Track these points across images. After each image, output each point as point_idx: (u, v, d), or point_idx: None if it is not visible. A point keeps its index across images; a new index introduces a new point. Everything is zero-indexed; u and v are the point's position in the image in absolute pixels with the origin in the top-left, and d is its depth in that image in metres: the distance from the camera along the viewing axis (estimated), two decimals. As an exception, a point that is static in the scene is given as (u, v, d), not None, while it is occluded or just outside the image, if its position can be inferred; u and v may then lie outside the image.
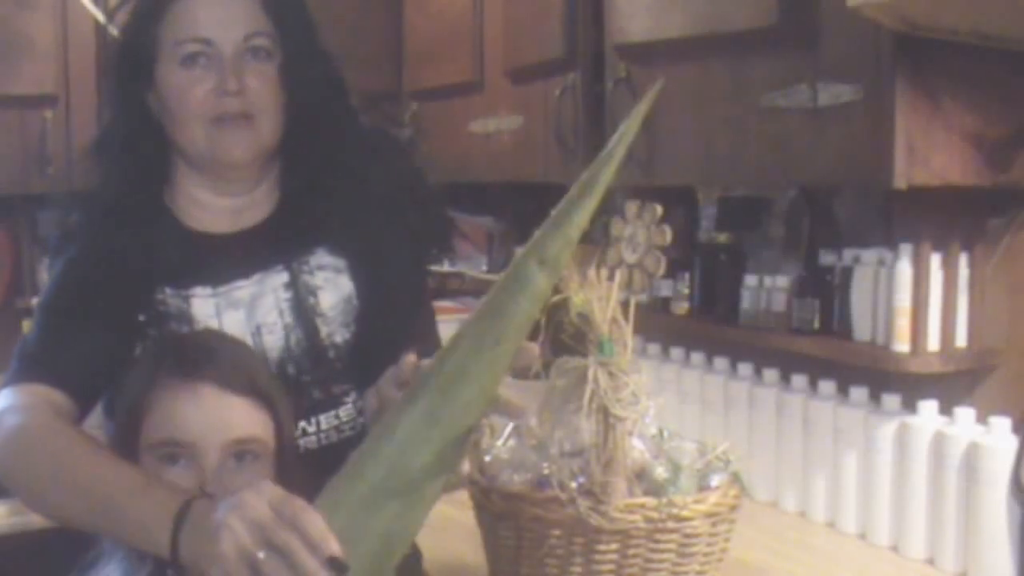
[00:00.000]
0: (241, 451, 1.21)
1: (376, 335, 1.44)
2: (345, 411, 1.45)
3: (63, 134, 2.86)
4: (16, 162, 2.86)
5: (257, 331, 1.39)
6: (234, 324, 1.38)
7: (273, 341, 1.40)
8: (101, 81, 2.86)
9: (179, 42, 1.37)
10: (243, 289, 1.40)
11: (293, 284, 1.42)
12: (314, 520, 1.01)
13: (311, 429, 1.41)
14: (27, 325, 3.04)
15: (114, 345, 1.36)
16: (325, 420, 1.43)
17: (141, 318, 1.37)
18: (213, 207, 1.44)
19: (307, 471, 1.26)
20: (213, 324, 1.38)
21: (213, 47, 1.37)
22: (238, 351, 1.29)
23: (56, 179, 2.77)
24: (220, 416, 1.21)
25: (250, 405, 1.22)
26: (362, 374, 1.42)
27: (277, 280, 1.42)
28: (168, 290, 1.38)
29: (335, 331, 1.43)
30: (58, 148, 2.82)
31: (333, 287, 1.44)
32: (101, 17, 2.58)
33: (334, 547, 0.99)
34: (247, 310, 1.39)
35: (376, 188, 1.46)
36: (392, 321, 1.46)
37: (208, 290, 1.39)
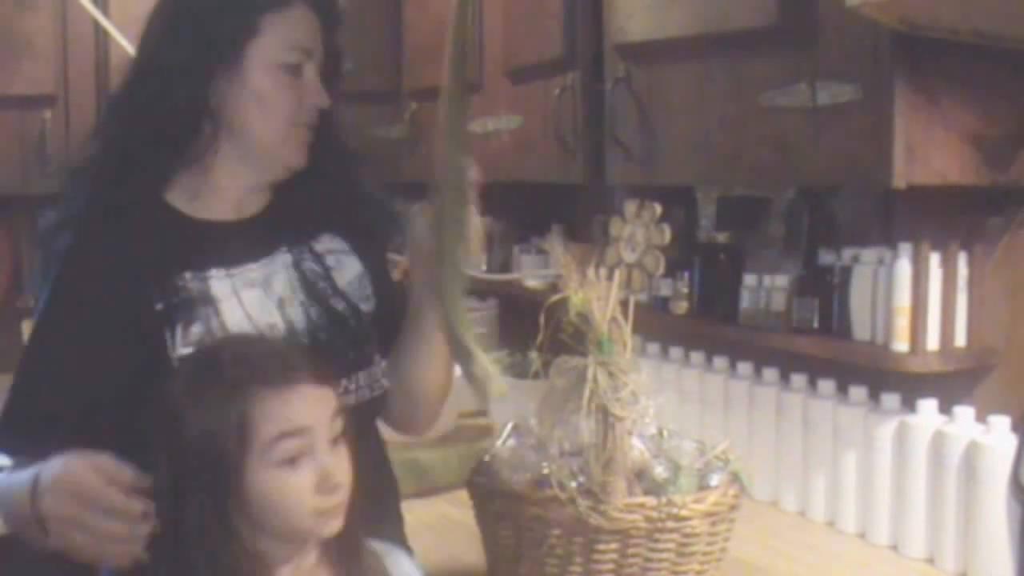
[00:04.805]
0: (336, 433, 1.26)
1: (392, 305, 1.58)
2: (378, 370, 1.55)
3: (63, 134, 2.87)
4: (16, 162, 2.87)
5: (280, 304, 1.47)
6: (254, 300, 1.45)
7: (295, 314, 1.47)
8: (100, 82, 2.86)
9: (288, 47, 1.45)
10: (254, 271, 1.47)
11: (297, 266, 1.50)
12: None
13: (352, 387, 1.49)
14: (27, 326, 3.05)
15: (125, 363, 1.39)
16: (362, 377, 1.51)
17: (159, 307, 1.40)
18: (228, 196, 1.49)
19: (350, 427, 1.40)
20: (233, 302, 1.43)
21: (311, 59, 1.47)
22: (312, 354, 1.35)
23: (56, 179, 2.77)
24: (324, 403, 1.27)
25: (333, 393, 1.29)
26: (385, 336, 1.57)
27: (285, 260, 1.50)
28: (187, 274, 1.43)
29: (358, 303, 1.53)
30: (58, 148, 2.82)
31: (345, 266, 1.54)
32: (101, 17, 2.58)
33: None
34: (263, 288, 1.47)
35: (359, 182, 1.59)
36: (398, 293, 1.62)
37: (223, 271, 1.45)
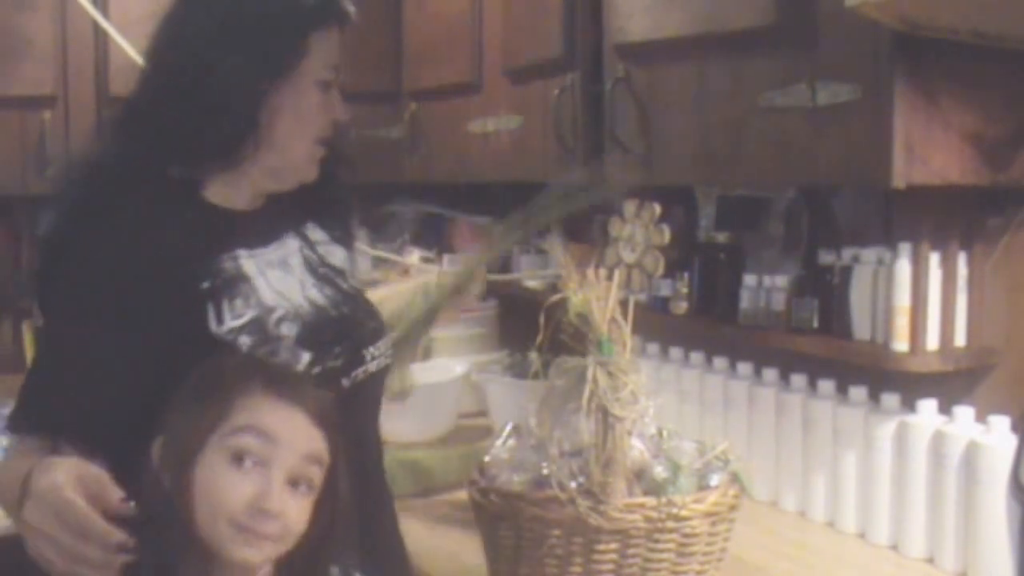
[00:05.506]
0: (302, 475, 1.24)
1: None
2: (389, 338, 1.64)
3: (62, 135, 2.86)
4: (15, 163, 2.86)
5: (301, 285, 1.52)
6: (279, 279, 1.51)
7: (315, 293, 1.54)
8: (100, 83, 2.86)
9: (326, 65, 1.49)
10: (271, 254, 1.53)
11: (301, 251, 1.57)
12: None
13: (377, 353, 1.56)
14: (27, 326, 3.06)
15: (166, 343, 1.39)
16: (382, 345, 1.58)
17: (204, 285, 1.43)
18: (247, 192, 1.53)
19: (370, 391, 1.55)
20: (262, 281, 1.48)
21: (334, 79, 1.52)
22: (324, 393, 1.33)
23: (55, 180, 2.77)
24: (306, 436, 1.25)
25: (326, 441, 1.27)
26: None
27: (294, 245, 1.56)
28: (224, 255, 1.47)
29: (355, 282, 1.63)
30: (57, 149, 2.82)
31: (333, 253, 1.61)
32: (101, 18, 2.58)
33: None
34: (282, 268, 1.53)
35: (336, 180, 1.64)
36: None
37: (247, 252, 1.50)
